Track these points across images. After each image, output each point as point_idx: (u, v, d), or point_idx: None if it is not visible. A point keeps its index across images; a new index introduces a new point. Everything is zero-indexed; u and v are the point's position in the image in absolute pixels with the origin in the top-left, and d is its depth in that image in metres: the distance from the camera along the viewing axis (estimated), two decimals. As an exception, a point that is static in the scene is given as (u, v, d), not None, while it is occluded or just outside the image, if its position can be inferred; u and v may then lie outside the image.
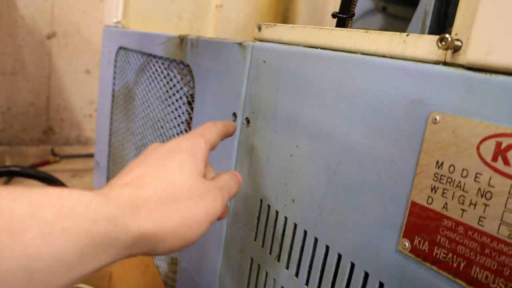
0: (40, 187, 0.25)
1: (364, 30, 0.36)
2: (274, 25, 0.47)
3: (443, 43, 0.28)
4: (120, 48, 0.99)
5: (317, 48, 0.41)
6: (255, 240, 0.48)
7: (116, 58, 1.02)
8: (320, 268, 0.39)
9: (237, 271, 0.51)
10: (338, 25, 0.45)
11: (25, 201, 0.23)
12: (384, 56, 0.34)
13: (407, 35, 0.32)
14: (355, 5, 0.43)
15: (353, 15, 0.43)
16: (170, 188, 0.30)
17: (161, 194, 0.29)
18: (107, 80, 1.07)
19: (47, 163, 1.82)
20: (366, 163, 0.34)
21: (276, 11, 1.46)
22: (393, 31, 0.34)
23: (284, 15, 1.48)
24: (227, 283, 0.53)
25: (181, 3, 1.22)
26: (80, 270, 0.24)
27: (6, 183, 1.55)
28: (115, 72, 1.03)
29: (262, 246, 0.47)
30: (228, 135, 0.42)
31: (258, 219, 0.48)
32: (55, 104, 1.96)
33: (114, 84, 1.04)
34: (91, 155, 1.93)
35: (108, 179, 1.08)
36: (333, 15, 0.45)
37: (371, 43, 0.35)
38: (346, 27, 0.45)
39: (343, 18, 0.44)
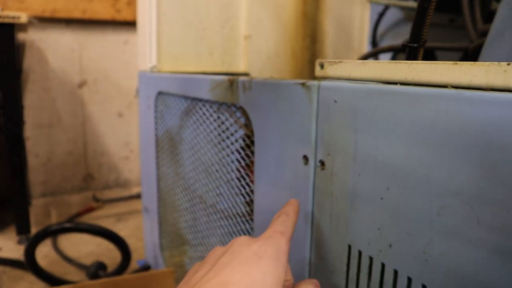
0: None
1: (452, 62, 0.34)
2: (339, 61, 0.46)
3: None
4: (159, 93, 0.99)
5: (395, 83, 0.39)
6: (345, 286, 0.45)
7: (155, 103, 1.02)
8: (435, 320, 0.36)
9: (328, 321, 0.49)
10: (409, 56, 0.43)
11: None
12: (481, 89, 0.32)
13: (508, 64, 0.30)
14: (426, 31, 0.41)
15: (425, 42, 0.41)
16: None
17: None
18: (148, 125, 1.08)
19: (91, 209, 1.83)
20: (478, 204, 0.31)
21: (304, 33, 1.46)
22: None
23: (313, 37, 1.47)
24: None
25: (210, 39, 1.22)
26: None
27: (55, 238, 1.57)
28: (156, 117, 1.03)
29: (357, 295, 0.44)
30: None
31: (348, 266, 0.45)
32: (92, 150, 1.98)
33: (156, 129, 1.04)
34: (132, 197, 1.95)
35: (160, 224, 1.07)
36: (403, 45, 0.42)
37: (463, 75, 0.33)
38: (418, 57, 0.43)
39: (415, 47, 0.41)
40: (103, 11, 1.89)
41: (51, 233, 0.95)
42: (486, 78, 0.32)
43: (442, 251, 0.35)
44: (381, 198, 0.40)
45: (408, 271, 0.38)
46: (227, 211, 0.72)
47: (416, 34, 0.41)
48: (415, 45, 0.41)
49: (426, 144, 0.35)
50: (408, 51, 0.42)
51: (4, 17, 1.32)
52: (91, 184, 2.01)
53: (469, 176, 0.32)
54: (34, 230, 1.55)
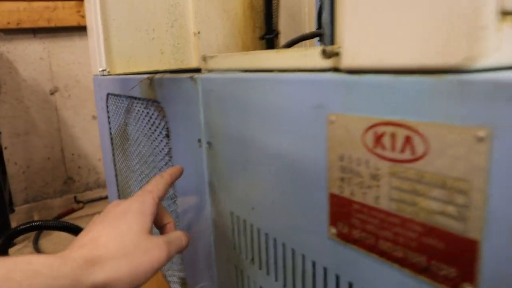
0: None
1: (276, 50, 0.41)
2: (215, 56, 0.53)
3: (325, 53, 0.33)
4: (109, 94, 1.06)
5: (249, 71, 0.46)
6: (234, 248, 0.53)
7: (107, 104, 1.09)
8: (282, 264, 0.44)
9: (228, 280, 0.56)
10: (268, 46, 0.50)
11: (3, 267, 0.31)
12: (292, 71, 0.39)
13: (306, 49, 0.37)
14: (277, 23, 0.48)
15: (278, 34, 0.48)
16: (120, 246, 0.39)
17: (112, 252, 0.38)
18: (104, 125, 1.15)
19: (72, 211, 1.90)
20: (296, 165, 0.39)
21: (254, 25, 1.52)
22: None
23: (261, 28, 1.54)
24: (224, 292, 0.58)
25: (160, 38, 1.28)
26: None
27: (37, 236, 1.64)
28: (108, 117, 1.10)
29: (240, 252, 0.52)
30: (176, 179, 0.53)
31: (233, 230, 0.52)
32: (69, 154, 2.05)
33: (110, 128, 1.11)
34: (111, 196, 2.02)
35: (122, 216, 1.14)
36: (261, 38, 0.50)
37: (282, 60, 0.40)
38: (275, 46, 0.50)
39: (270, 38, 0.49)
40: (68, 18, 1.95)
41: (18, 232, 1.03)
42: (294, 62, 0.39)
43: (281, 208, 0.42)
44: (245, 169, 0.47)
45: (265, 228, 0.45)
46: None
47: (268, 26, 0.48)
48: (270, 36, 0.48)
49: (264, 121, 0.43)
50: (266, 42, 0.49)
51: (-34, 33, 1.38)
52: (72, 187, 2.08)
53: (289, 143, 0.39)
54: (14, 233, 1.61)
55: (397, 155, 0.28)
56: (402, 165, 0.28)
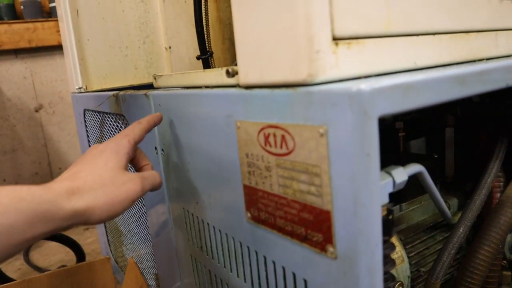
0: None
1: (203, 70, 0.50)
2: (162, 75, 0.61)
3: (228, 73, 0.41)
4: (85, 110, 1.14)
5: (186, 88, 0.54)
6: (188, 240, 0.61)
7: (85, 119, 1.17)
8: (221, 248, 0.52)
9: (186, 268, 0.64)
10: (204, 65, 0.58)
11: None
12: (213, 87, 0.47)
13: (221, 69, 0.46)
14: (210, 45, 0.56)
15: (212, 53, 0.56)
16: (97, 179, 0.43)
17: (90, 183, 0.42)
18: (83, 138, 1.22)
19: (61, 223, 1.97)
20: (221, 164, 0.47)
21: (223, 37, 1.60)
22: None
23: (231, 40, 1.62)
24: (185, 277, 0.66)
25: (133, 55, 1.36)
26: (31, 232, 0.36)
27: (27, 248, 1.71)
28: (87, 131, 1.18)
29: (192, 242, 0.60)
30: (154, 125, 0.57)
31: (186, 223, 0.61)
32: (56, 169, 2.12)
33: (89, 141, 1.19)
34: (99, 206, 2.09)
35: (105, 223, 1.22)
36: (197, 58, 0.58)
37: (206, 78, 0.49)
38: (211, 65, 0.58)
39: (205, 58, 0.57)
40: (49, 38, 2.02)
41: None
42: (215, 79, 0.47)
43: (215, 200, 0.50)
44: (188, 170, 0.56)
45: (206, 218, 0.54)
46: (136, 201, 0.87)
47: (202, 48, 0.56)
48: (204, 56, 0.56)
49: (196, 129, 0.51)
50: (202, 62, 0.58)
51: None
52: (61, 199, 2.15)
53: (214, 146, 0.48)
54: (6, 247, 1.68)
55: (278, 150, 0.37)
56: (282, 158, 0.37)
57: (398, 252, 0.51)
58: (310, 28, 0.32)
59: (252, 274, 0.46)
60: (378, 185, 0.31)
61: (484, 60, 0.48)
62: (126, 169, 0.48)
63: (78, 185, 0.42)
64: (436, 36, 0.42)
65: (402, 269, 0.51)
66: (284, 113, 0.35)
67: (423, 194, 0.61)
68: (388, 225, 0.36)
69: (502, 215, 0.54)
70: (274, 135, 0.37)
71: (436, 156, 0.61)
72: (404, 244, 0.53)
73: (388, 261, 0.38)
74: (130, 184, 0.46)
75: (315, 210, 0.34)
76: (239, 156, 0.43)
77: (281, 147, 0.36)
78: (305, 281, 0.38)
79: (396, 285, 0.50)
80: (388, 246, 0.37)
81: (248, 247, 0.46)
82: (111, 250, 1.25)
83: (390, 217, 0.36)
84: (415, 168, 0.41)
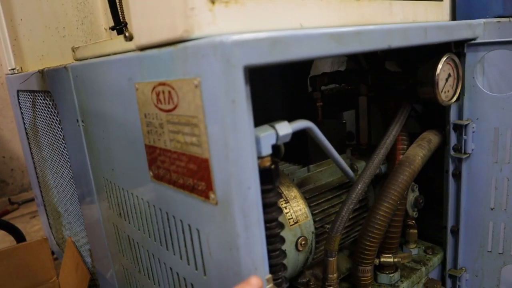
0: None
1: (111, 38, 0.51)
2: (79, 46, 0.62)
3: (126, 37, 0.43)
4: (18, 91, 1.12)
5: (97, 57, 0.55)
6: (109, 208, 0.62)
7: (18, 100, 1.15)
8: (134, 211, 0.54)
9: (111, 237, 0.66)
10: (120, 35, 0.59)
11: None
12: (118, 53, 0.49)
13: (122, 36, 0.47)
14: (123, 16, 0.57)
15: (126, 24, 0.57)
16: None
17: None
18: (19, 120, 1.20)
19: (6, 212, 1.92)
20: (127, 127, 0.49)
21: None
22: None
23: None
24: (111, 247, 0.68)
25: (72, 35, 1.34)
26: None
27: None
28: (22, 112, 1.16)
29: (113, 210, 0.61)
30: None
31: (106, 192, 0.62)
32: (0, 157, 2.06)
33: (24, 123, 1.17)
34: (46, 194, 2.05)
35: (44, 206, 1.21)
36: (111, 28, 0.59)
37: (113, 46, 0.50)
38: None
39: (119, 29, 0.58)
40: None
41: None
42: (116, 47, 0.49)
43: (123, 164, 0.52)
44: (103, 138, 0.57)
45: (120, 184, 0.55)
46: (68, 176, 0.88)
47: (116, 19, 0.57)
48: (118, 27, 0.58)
49: (105, 95, 0.52)
50: (117, 32, 0.59)
51: None
52: (6, 189, 2.10)
53: (121, 110, 0.49)
54: None
55: (167, 106, 0.39)
56: (170, 113, 0.39)
57: (302, 209, 0.55)
58: (183, -14, 0.34)
59: (159, 232, 0.49)
60: (248, 130, 0.33)
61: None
62: None
63: None
64: (324, 0, 0.45)
65: (306, 225, 0.55)
66: (169, 70, 0.37)
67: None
68: (271, 175, 0.39)
69: (400, 173, 0.58)
70: (163, 92, 0.39)
71: (344, 122, 0.64)
72: (309, 202, 0.57)
73: (274, 209, 0.41)
74: None
75: (198, 159, 0.37)
76: (139, 117, 0.45)
77: (168, 103, 0.39)
78: (198, 231, 0.41)
79: (299, 239, 0.53)
80: (273, 195, 0.40)
81: (154, 206, 0.48)
82: (52, 233, 1.24)
83: (273, 166, 0.39)
84: (302, 123, 0.44)
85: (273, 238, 0.41)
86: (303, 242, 0.53)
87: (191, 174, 0.38)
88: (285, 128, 0.40)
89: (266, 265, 0.38)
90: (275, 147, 0.39)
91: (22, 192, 2.14)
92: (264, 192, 0.38)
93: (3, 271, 0.99)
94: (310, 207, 0.56)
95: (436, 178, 0.70)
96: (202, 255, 0.41)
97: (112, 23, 1.45)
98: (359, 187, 0.55)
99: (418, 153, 0.60)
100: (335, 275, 0.55)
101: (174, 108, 0.38)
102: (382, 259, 0.62)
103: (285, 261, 0.44)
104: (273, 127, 0.40)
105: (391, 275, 0.63)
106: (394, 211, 0.58)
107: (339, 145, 0.63)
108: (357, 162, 0.65)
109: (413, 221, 0.71)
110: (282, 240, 0.43)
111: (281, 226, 0.42)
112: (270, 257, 0.40)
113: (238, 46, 0.32)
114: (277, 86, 0.66)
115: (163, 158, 0.42)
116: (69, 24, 1.34)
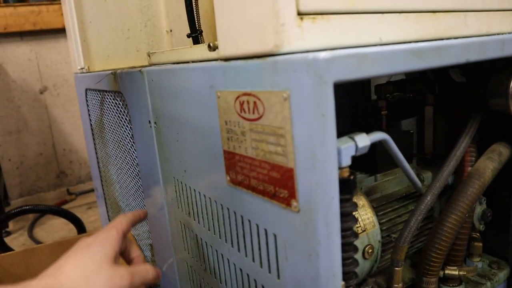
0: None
1: (190, 46, 0.53)
2: (155, 52, 0.65)
3: (210, 47, 0.45)
4: (86, 89, 1.18)
5: (176, 63, 0.58)
6: (178, 207, 0.65)
7: (86, 98, 1.21)
8: (206, 212, 0.56)
9: (177, 235, 0.69)
10: (195, 42, 0.62)
11: None
12: (198, 61, 0.51)
13: (204, 44, 0.49)
14: (199, 24, 0.60)
15: (201, 32, 0.60)
16: (81, 274, 0.43)
17: (74, 279, 0.42)
18: (85, 117, 1.27)
19: (65, 202, 2.03)
20: (204, 132, 0.51)
21: (213, 19, 1.62)
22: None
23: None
24: (176, 245, 0.71)
25: (135, 37, 1.40)
26: None
27: (31, 226, 1.77)
28: (88, 110, 1.22)
29: (182, 209, 0.64)
30: (139, 219, 0.59)
31: (176, 191, 0.65)
32: (61, 150, 2.18)
33: (90, 120, 1.23)
34: (101, 187, 2.14)
35: (105, 199, 1.27)
36: (188, 35, 0.62)
37: (192, 54, 0.52)
38: (201, 42, 0.62)
39: (195, 36, 0.61)
40: (53, 21, 2.06)
41: (11, 216, 1.15)
42: (199, 54, 0.51)
43: (199, 167, 0.54)
44: (177, 141, 0.60)
45: (192, 185, 0.58)
46: (133, 173, 0.92)
47: (192, 27, 0.60)
48: (194, 34, 0.60)
49: (184, 101, 0.55)
50: (192, 40, 0.62)
51: (-44, 39, 1.50)
52: (65, 180, 2.21)
53: (198, 116, 0.52)
54: (12, 225, 1.74)
55: (251, 116, 0.41)
56: (254, 122, 0.41)
57: (370, 218, 0.55)
58: (276, 4, 0.35)
59: (232, 234, 0.51)
60: (333, 142, 0.35)
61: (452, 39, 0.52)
62: (116, 261, 0.48)
63: (60, 281, 0.41)
64: (402, 14, 0.45)
65: (373, 234, 0.55)
66: (255, 81, 0.39)
67: (397, 167, 0.65)
68: (349, 185, 0.40)
69: (469, 186, 0.58)
70: (248, 102, 0.41)
71: (411, 132, 0.64)
72: (376, 211, 0.57)
73: (350, 219, 0.42)
74: (117, 278, 0.44)
75: (282, 168, 0.38)
76: (220, 124, 0.47)
77: (253, 112, 0.40)
78: (275, 236, 0.42)
79: (366, 248, 0.54)
80: (350, 205, 0.41)
81: (228, 209, 0.50)
82: (111, 225, 1.30)
83: (352, 177, 0.40)
84: (379, 135, 0.45)
85: (348, 246, 0.42)
86: (370, 251, 0.54)
87: (273, 181, 0.40)
88: (364, 140, 0.41)
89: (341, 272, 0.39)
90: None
91: (79, 183, 2.25)
92: (342, 201, 0.39)
93: (67, 259, 1.05)
94: (377, 216, 0.56)
95: (501, 190, 0.69)
96: (277, 259, 0.43)
97: (171, 27, 1.50)
98: (428, 198, 0.55)
99: (488, 165, 0.59)
100: (400, 284, 0.56)
101: (259, 118, 0.40)
102: (446, 272, 0.61)
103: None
104: (353, 139, 0.41)
105: (455, 288, 0.63)
106: (462, 224, 0.58)
107: (405, 154, 0.63)
108: (423, 172, 0.65)
109: (478, 234, 0.70)
110: (355, 249, 0.44)
111: (356, 235, 0.43)
112: (343, 265, 0.41)
113: (330, 63, 0.33)
114: (340, 92, 0.67)
115: (243, 165, 0.44)
116: (133, 26, 1.40)
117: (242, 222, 0.48)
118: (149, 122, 0.69)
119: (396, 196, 0.61)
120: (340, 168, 0.39)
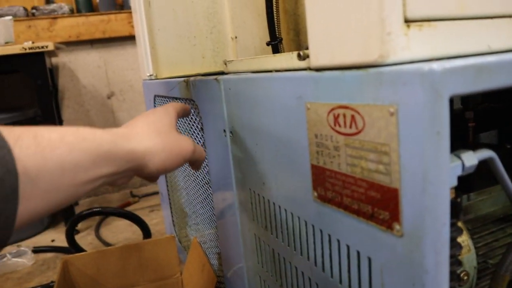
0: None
1: (273, 55, 0.52)
2: (232, 60, 0.64)
3: (300, 56, 0.43)
4: (155, 96, 1.20)
5: (255, 72, 0.57)
6: (253, 219, 0.64)
7: (155, 104, 1.23)
8: (286, 227, 0.54)
9: (249, 246, 0.67)
10: (274, 50, 0.60)
11: (56, 131, 0.36)
12: (283, 70, 0.49)
13: (292, 53, 0.47)
14: (279, 31, 0.58)
15: (281, 39, 0.58)
16: (154, 129, 0.47)
17: (148, 131, 0.46)
18: (152, 124, 1.29)
19: (128, 204, 2.09)
20: (289, 144, 0.49)
21: (288, 28, 1.61)
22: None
23: (296, 30, 1.63)
24: (248, 256, 0.69)
25: (201, 44, 1.41)
26: (94, 173, 0.38)
27: (98, 225, 1.83)
28: (156, 116, 1.24)
29: (257, 222, 0.62)
30: (186, 112, 0.63)
31: (251, 203, 0.63)
32: (125, 153, 2.25)
33: (157, 126, 1.25)
34: (163, 190, 2.18)
35: (170, 204, 1.28)
36: (267, 43, 0.60)
37: (276, 63, 0.51)
38: (280, 51, 0.60)
39: (275, 44, 0.59)
40: (121, 29, 2.13)
41: (82, 217, 1.19)
42: (285, 63, 0.49)
43: (281, 180, 0.52)
44: (255, 152, 0.58)
45: (273, 198, 0.56)
46: (203, 181, 0.92)
47: (272, 34, 0.58)
48: (274, 42, 0.58)
49: (264, 111, 0.53)
50: (272, 48, 0.60)
51: (35, 48, 1.58)
52: (129, 182, 2.27)
53: (282, 127, 0.50)
54: (80, 224, 1.81)
55: (347, 130, 0.38)
56: (351, 137, 0.38)
57: (465, 241, 0.51)
58: (382, 11, 0.32)
59: (316, 252, 0.48)
60: (448, 163, 0.31)
61: None
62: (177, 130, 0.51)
63: (136, 131, 0.45)
64: (513, 19, 0.41)
65: (469, 259, 0.51)
66: (354, 93, 0.36)
67: (492, 186, 0.60)
68: (456, 208, 0.36)
69: None
70: (344, 116, 0.38)
71: (508, 146, 0.59)
72: (471, 234, 0.52)
73: (454, 245, 0.38)
74: (184, 141, 0.49)
75: (383, 188, 0.35)
76: (308, 137, 0.44)
77: (350, 127, 0.38)
78: (369, 259, 0.39)
79: (462, 274, 0.50)
80: (455, 230, 0.38)
81: (313, 226, 0.47)
82: (175, 230, 1.31)
83: (458, 200, 0.36)
84: (486, 153, 0.40)
85: (451, 275, 0.38)
86: (465, 278, 0.49)
87: (371, 201, 0.37)
88: (471, 159, 0.37)
89: (446, 304, 0.36)
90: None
91: (142, 186, 2.31)
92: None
93: (135, 262, 1.07)
94: (472, 239, 0.51)
95: None
96: (371, 284, 0.40)
97: (236, 33, 1.50)
98: (533, 222, 0.50)
99: None
100: (498, 315, 0.51)
101: (357, 133, 0.37)
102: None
103: (455, 299, 0.41)
104: (459, 158, 0.37)
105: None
106: None
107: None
108: (521, 191, 0.59)
109: None
110: (458, 279, 0.40)
111: (460, 263, 0.39)
112: (446, 295, 0.38)
113: (447, 75, 0.30)
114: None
115: (334, 181, 0.42)
116: (199, 33, 1.41)
117: (329, 241, 0.45)
118: (224, 131, 0.68)
119: (492, 218, 0.56)
120: (448, 190, 0.35)
